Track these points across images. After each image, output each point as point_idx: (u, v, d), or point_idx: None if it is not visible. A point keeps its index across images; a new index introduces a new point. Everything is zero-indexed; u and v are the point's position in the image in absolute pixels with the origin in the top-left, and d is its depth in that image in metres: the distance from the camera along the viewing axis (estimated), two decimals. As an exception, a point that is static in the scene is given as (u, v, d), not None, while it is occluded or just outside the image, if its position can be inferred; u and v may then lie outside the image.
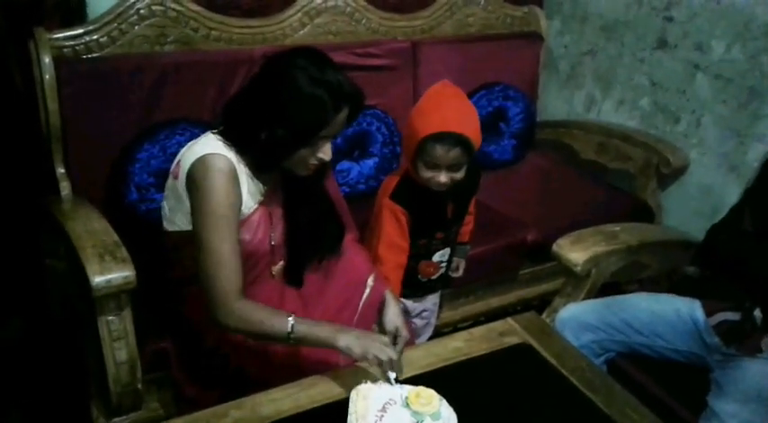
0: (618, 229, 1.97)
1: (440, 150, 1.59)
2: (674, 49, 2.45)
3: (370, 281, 1.59)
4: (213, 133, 1.42)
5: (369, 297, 1.58)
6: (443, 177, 1.63)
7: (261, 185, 1.47)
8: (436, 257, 1.84)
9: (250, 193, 1.42)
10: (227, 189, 1.34)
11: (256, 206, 1.45)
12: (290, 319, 1.31)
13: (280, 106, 1.33)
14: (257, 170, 1.43)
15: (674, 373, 1.64)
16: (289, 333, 1.30)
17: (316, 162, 1.41)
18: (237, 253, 1.35)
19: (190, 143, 1.43)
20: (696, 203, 2.44)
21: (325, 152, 1.40)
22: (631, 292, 1.89)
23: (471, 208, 1.94)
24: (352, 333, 1.31)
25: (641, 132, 2.59)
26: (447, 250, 1.86)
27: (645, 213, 2.47)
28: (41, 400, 1.98)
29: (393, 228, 1.72)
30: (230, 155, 1.37)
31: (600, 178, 2.70)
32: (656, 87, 2.55)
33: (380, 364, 1.27)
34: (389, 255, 1.73)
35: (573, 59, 2.89)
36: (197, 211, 1.35)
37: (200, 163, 1.34)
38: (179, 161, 1.41)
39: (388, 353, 1.26)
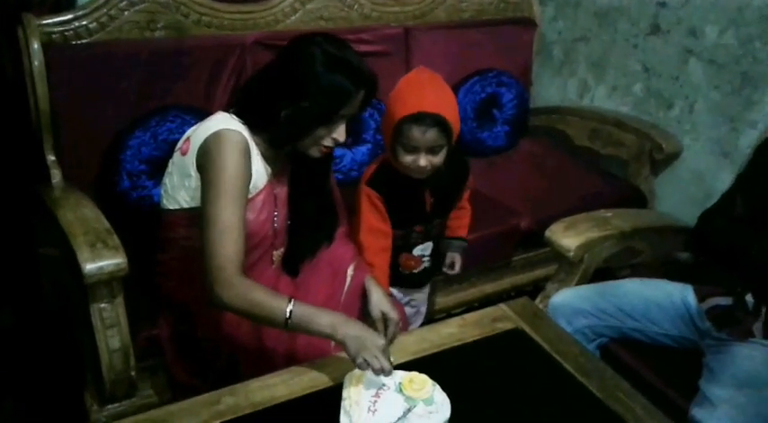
0: (610, 214, 1.98)
1: (416, 132, 1.56)
2: (667, 35, 2.45)
3: (350, 270, 1.60)
4: (227, 112, 1.43)
5: (350, 287, 1.58)
6: (422, 161, 1.59)
7: (269, 167, 1.47)
8: (417, 251, 1.82)
9: (258, 172, 1.43)
10: (240, 163, 1.34)
11: (263, 187, 1.45)
12: (290, 303, 1.26)
13: (302, 84, 1.35)
14: (272, 147, 1.44)
15: (667, 358, 1.65)
16: (287, 318, 1.25)
17: (330, 144, 1.43)
18: (243, 227, 1.33)
19: (201, 122, 1.44)
20: (689, 189, 2.44)
21: (340, 133, 1.41)
22: (624, 277, 1.90)
23: (465, 202, 1.92)
24: (354, 328, 1.25)
25: (634, 118, 2.59)
26: (428, 245, 1.83)
27: (638, 199, 2.47)
28: (35, 389, 1.97)
29: (371, 213, 1.71)
30: (245, 132, 1.38)
31: (593, 164, 2.69)
32: (649, 73, 2.54)
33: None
34: (371, 240, 1.72)
35: (566, 45, 2.89)
36: (208, 183, 1.33)
37: (215, 137, 1.34)
38: (188, 138, 1.41)
39: (381, 362, 1.20)
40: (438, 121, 1.56)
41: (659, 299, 1.68)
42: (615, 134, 2.60)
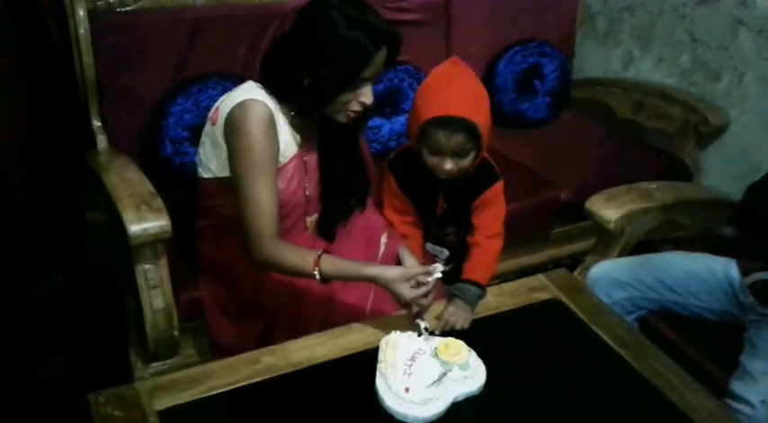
0: (653, 187, 1.94)
1: (441, 136, 1.45)
2: (716, 4, 2.37)
3: (383, 238, 1.61)
4: (253, 82, 1.43)
5: (383, 254, 1.59)
6: (449, 164, 1.49)
7: (297, 136, 1.47)
8: (429, 247, 1.73)
9: (286, 142, 1.43)
10: (265, 134, 1.35)
11: (292, 156, 1.46)
12: (320, 254, 1.34)
13: (320, 49, 1.33)
14: (299, 116, 1.44)
15: (707, 331, 1.63)
16: (317, 262, 1.33)
17: (358, 108, 1.41)
18: (274, 199, 1.37)
19: (230, 91, 1.44)
20: (735, 163, 2.38)
21: (367, 95, 1.39)
22: (665, 251, 1.87)
23: (494, 226, 1.63)
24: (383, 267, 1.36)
25: (680, 90, 2.53)
26: (443, 251, 1.70)
27: (682, 173, 2.42)
28: (83, 347, 2.04)
29: (388, 193, 1.69)
30: (270, 102, 1.38)
31: (636, 137, 2.64)
32: (696, 44, 2.47)
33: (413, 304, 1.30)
34: (395, 217, 1.69)
35: (611, 15, 2.82)
36: (235, 155, 1.36)
37: (240, 108, 1.35)
38: (218, 107, 1.43)
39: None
40: (465, 126, 1.44)
41: (701, 272, 1.65)
42: (660, 106, 2.54)
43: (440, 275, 1.31)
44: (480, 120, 1.46)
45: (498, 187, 1.62)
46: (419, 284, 1.31)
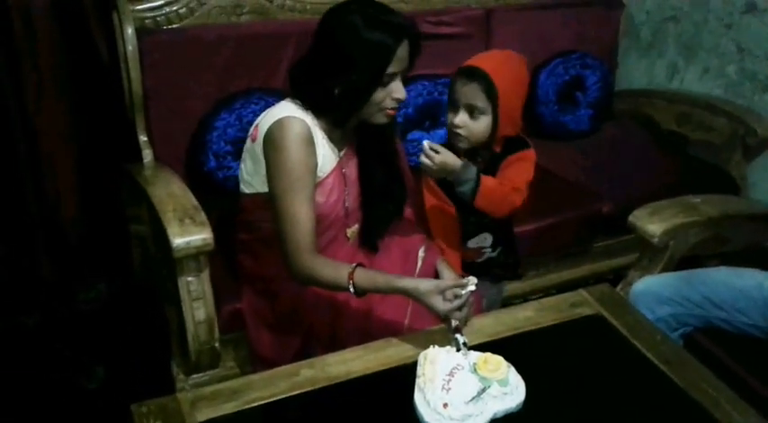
0: (698, 200, 1.90)
1: (458, 83, 1.55)
2: (763, 13, 2.32)
3: (420, 252, 1.62)
4: (290, 99, 1.45)
5: (421, 269, 1.60)
6: (458, 118, 1.56)
7: (336, 149, 1.49)
8: (472, 244, 1.74)
9: (325, 156, 1.45)
10: (303, 152, 1.38)
11: (331, 169, 1.48)
12: (354, 267, 1.35)
13: (344, 55, 1.36)
14: (337, 126, 1.46)
15: (755, 349, 1.58)
16: (350, 274, 1.34)
17: (392, 105, 1.43)
18: (311, 215, 1.40)
19: (269, 108, 1.47)
20: (784, 176, 2.32)
21: (398, 90, 1.41)
22: (712, 266, 1.83)
23: (515, 177, 1.61)
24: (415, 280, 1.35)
25: (727, 102, 2.48)
26: (486, 236, 1.73)
27: (729, 186, 2.37)
28: (126, 358, 2.08)
29: (427, 190, 1.72)
30: (307, 118, 1.40)
31: (681, 149, 2.59)
32: (743, 54, 2.42)
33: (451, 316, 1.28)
34: (432, 214, 1.71)
35: (655, 26, 2.78)
36: (273, 172, 1.39)
37: (278, 125, 1.38)
38: (257, 124, 1.46)
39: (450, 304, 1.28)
40: (481, 76, 1.52)
41: (749, 289, 1.60)
42: (706, 118, 2.50)
43: (473, 288, 1.30)
44: (500, 80, 1.51)
45: (527, 153, 1.65)
46: (455, 297, 1.30)
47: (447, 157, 1.52)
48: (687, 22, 2.63)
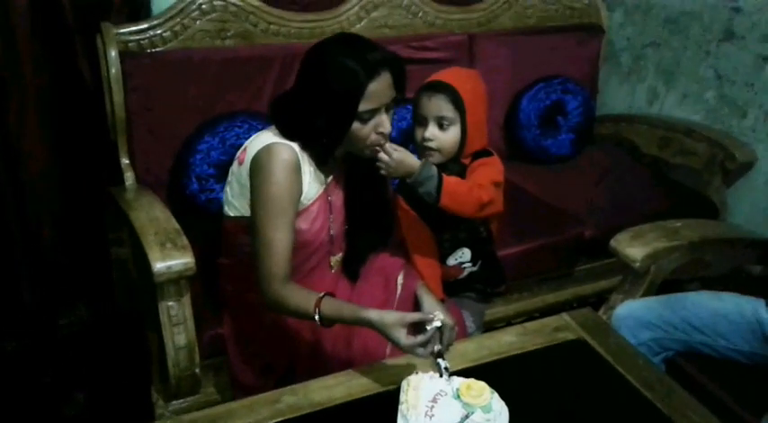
0: (679, 224, 1.91)
1: (424, 98, 1.61)
2: (741, 41, 2.37)
3: (399, 279, 1.60)
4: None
5: (401, 295, 1.58)
6: (428, 132, 1.61)
7: (323, 176, 1.49)
8: (451, 261, 1.77)
9: (311, 183, 1.45)
10: (288, 179, 1.37)
11: (317, 196, 1.47)
12: (321, 297, 1.32)
13: (317, 91, 1.36)
14: (321, 159, 1.45)
15: (736, 373, 1.59)
16: (317, 305, 1.31)
17: (379, 140, 1.41)
18: (289, 243, 1.38)
19: (259, 132, 1.47)
20: (763, 200, 2.35)
21: (382, 125, 1.40)
22: (692, 290, 1.84)
23: (479, 177, 1.63)
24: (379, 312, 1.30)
25: (706, 127, 2.51)
26: (464, 251, 1.76)
27: (709, 210, 2.39)
28: (105, 383, 2.05)
29: (403, 214, 1.72)
30: (295, 145, 1.40)
31: (662, 174, 2.62)
32: (722, 80, 2.46)
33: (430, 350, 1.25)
34: (411, 235, 1.72)
35: (635, 52, 2.82)
36: (256, 197, 1.38)
37: (266, 151, 1.38)
38: (246, 148, 1.45)
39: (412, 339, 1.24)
40: (446, 89, 1.58)
41: (730, 312, 1.61)
42: (686, 143, 2.53)
43: (438, 324, 1.26)
44: (464, 91, 1.59)
45: (490, 159, 1.69)
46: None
47: (406, 155, 1.49)
48: (667, 48, 2.67)
